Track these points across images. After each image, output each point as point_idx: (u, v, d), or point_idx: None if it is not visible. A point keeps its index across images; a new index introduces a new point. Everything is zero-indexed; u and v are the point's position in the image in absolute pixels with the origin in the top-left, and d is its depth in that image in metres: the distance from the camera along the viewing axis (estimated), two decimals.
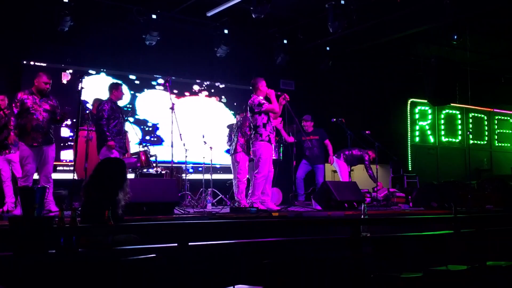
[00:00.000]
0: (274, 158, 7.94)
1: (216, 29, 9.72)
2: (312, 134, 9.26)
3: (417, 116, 13.06)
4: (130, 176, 7.82)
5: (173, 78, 9.55)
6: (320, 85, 11.57)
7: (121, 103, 7.38)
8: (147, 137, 9.81)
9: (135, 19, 8.96)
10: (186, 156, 8.45)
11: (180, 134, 7.55)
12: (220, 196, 8.92)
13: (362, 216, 5.02)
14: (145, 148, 7.87)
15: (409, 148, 12.68)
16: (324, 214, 7.05)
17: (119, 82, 7.68)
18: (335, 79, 11.50)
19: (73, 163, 7.17)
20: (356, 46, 10.80)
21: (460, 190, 8.62)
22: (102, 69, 9.46)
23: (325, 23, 8.76)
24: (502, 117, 15.00)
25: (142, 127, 9.84)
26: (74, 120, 6.66)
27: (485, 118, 14.64)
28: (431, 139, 13.31)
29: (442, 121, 13.55)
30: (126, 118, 7.45)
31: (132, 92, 9.83)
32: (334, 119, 8.90)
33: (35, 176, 6.37)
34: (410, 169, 12.34)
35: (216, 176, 9.58)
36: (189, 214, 6.54)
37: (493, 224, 5.68)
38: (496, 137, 14.78)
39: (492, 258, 4.87)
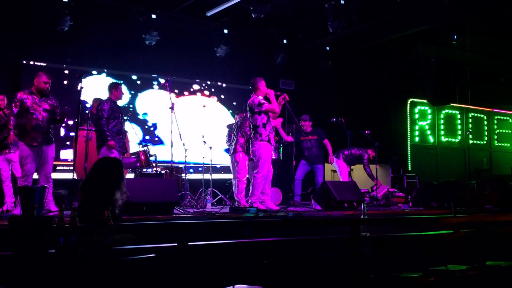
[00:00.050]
0: (273, 158, 7.93)
1: (216, 29, 9.73)
2: (311, 134, 9.24)
3: (416, 116, 13.06)
4: (130, 176, 7.84)
5: (173, 78, 9.55)
6: (320, 85, 11.58)
7: (120, 102, 7.38)
8: (147, 137, 9.82)
9: (135, 19, 8.97)
10: (185, 156, 8.45)
11: (180, 134, 7.56)
12: (219, 196, 8.92)
13: (362, 216, 5.01)
14: (145, 148, 7.87)
15: (408, 148, 12.69)
16: (324, 214, 7.05)
17: (119, 82, 7.68)
18: (335, 79, 11.50)
19: (72, 163, 7.17)
20: (356, 46, 10.80)
21: (459, 190, 8.59)
22: (103, 69, 9.46)
23: (325, 23, 8.76)
24: (502, 117, 15.01)
25: (145, 125, 9.85)
26: (76, 120, 6.65)
27: (485, 118, 14.64)
28: (431, 139, 13.32)
29: (442, 121, 13.55)
30: (126, 118, 7.45)
31: (132, 92, 9.83)
32: (334, 119, 8.88)
33: (35, 175, 6.36)
34: (409, 169, 12.34)
35: (215, 176, 9.57)
36: (189, 214, 6.53)
37: (493, 224, 5.68)
38: (495, 137, 14.79)
39: (491, 258, 4.88)
